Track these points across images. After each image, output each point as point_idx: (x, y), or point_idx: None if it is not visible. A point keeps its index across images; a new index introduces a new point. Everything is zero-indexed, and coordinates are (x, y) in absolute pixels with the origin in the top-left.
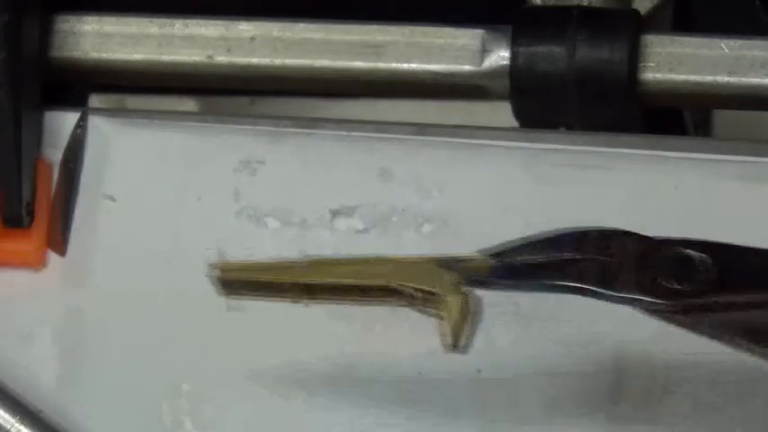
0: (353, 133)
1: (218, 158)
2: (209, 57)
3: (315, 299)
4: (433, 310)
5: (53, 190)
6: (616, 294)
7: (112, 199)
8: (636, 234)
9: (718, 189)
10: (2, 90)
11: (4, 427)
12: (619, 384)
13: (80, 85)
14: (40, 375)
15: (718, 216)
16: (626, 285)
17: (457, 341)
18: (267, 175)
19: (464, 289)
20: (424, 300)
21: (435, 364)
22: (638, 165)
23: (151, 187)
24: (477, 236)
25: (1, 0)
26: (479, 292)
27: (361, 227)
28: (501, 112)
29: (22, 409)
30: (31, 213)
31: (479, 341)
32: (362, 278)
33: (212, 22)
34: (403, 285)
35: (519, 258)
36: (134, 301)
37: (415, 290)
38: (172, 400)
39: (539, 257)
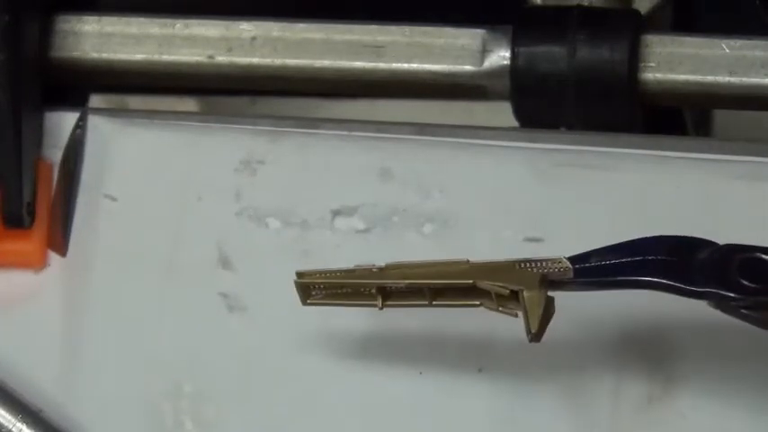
0: (354, 133)
1: (219, 158)
2: (210, 57)
3: (390, 302)
4: (514, 309)
5: (53, 190)
6: (692, 288)
7: (113, 199)
8: (710, 241)
9: (718, 189)
10: (2, 90)
11: (6, 427)
12: (619, 383)
13: (81, 85)
14: (42, 375)
15: (719, 216)
16: (701, 281)
17: (541, 331)
18: (268, 175)
19: (546, 287)
20: (507, 299)
21: (436, 363)
22: (638, 165)
23: (152, 187)
24: (477, 236)
25: (1, 0)
26: (554, 293)
27: (362, 227)
28: (501, 112)
29: (23, 409)
30: (32, 214)
31: (480, 340)
32: (445, 279)
33: (213, 22)
34: (490, 285)
35: (596, 261)
36: (135, 302)
37: (501, 288)
38: (173, 401)
39: (615, 260)
